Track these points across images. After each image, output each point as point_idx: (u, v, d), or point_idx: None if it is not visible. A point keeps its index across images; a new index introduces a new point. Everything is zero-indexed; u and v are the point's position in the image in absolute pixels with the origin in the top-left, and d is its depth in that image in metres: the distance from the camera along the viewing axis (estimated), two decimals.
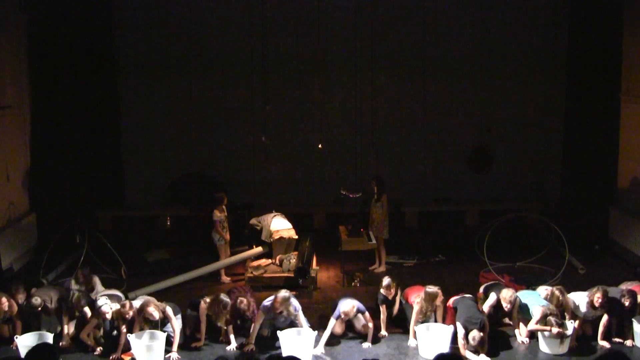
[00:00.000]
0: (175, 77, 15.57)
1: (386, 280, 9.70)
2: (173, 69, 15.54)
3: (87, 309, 9.43)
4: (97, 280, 10.63)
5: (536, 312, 9.15)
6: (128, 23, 15.39)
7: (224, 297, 9.30)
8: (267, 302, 9.24)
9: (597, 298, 9.13)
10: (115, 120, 15.55)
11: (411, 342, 9.22)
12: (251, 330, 9.24)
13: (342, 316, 9.30)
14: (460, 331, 8.91)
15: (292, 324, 9.29)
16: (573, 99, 14.96)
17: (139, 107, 15.66)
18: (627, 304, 9.16)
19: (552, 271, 11.73)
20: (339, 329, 9.48)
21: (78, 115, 14.52)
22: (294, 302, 9.26)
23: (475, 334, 8.78)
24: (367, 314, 9.42)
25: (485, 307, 9.39)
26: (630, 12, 12.64)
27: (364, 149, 15.63)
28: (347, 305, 9.26)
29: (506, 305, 9.23)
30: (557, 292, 9.23)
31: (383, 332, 9.55)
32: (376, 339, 9.42)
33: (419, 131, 15.83)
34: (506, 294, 9.25)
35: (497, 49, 15.49)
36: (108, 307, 9.24)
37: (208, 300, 9.37)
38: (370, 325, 9.37)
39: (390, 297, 9.67)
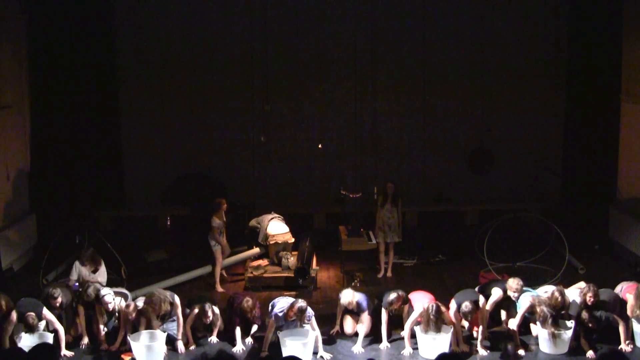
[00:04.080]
0: (175, 77, 15.56)
1: (391, 296, 9.39)
2: (173, 68, 15.53)
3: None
4: (102, 264, 10.59)
5: (524, 302, 9.17)
6: (128, 23, 15.39)
7: (207, 306, 9.35)
8: (279, 310, 9.15)
9: (589, 297, 9.14)
10: (115, 120, 15.54)
11: (406, 350, 9.10)
12: (265, 339, 9.13)
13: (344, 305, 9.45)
14: (453, 306, 9.12)
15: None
16: (573, 99, 14.95)
17: (139, 107, 15.65)
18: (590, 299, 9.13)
19: (552, 271, 11.73)
20: (348, 328, 9.52)
21: (78, 115, 14.50)
22: (309, 311, 9.15)
23: (467, 303, 9.00)
24: (366, 313, 9.44)
25: (490, 303, 9.38)
26: (630, 13, 12.63)
27: (364, 149, 15.63)
28: (347, 296, 9.41)
29: (514, 295, 9.23)
30: (557, 294, 9.22)
31: (385, 343, 9.36)
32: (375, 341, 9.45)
33: (419, 131, 15.82)
34: (512, 283, 9.25)
35: (497, 48, 15.49)
36: (111, 297, 9.35)
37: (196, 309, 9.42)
38: (366, 326, 9.42)
39: (394, 311, 9.55)
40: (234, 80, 15.57)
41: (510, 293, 9.28)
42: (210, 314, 9.35)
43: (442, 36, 15.49)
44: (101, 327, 9.39)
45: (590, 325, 9.05)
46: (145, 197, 15.79)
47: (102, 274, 10.52)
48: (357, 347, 9.19)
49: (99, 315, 9.40)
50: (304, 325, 9.09)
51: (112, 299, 9.37)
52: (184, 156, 15.72)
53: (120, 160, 15.69)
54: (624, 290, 9.51)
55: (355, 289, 9.94)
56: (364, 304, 9.47)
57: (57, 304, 9.46)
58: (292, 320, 9.07)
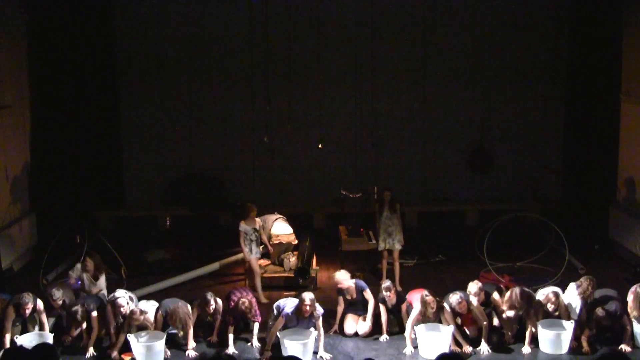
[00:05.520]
0: (176, 77, 15.55)
1: (387, 282, 9.69)
2: (173, 68, 15.52)
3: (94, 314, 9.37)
4: (104, 274, 10.33)
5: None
6: (128, 23, 15.38)
7: (208, 295, 9.34)
8: (289, 309, 9.13)
9: (591, 286, 9.22)
10: (115, 120, 15.54)
11: (408, 349, 9.16)
12: (267, 338, 9.15)
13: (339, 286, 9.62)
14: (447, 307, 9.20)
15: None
16: (573, 99, 14.96)
17: (139, 107, 15.64)
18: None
19: (552, 271, 11.73)
20: (349, 328, 9.58)
21: (78, 115, 14.51)
22: (318, 306, 9.19)
23: (456, 297, 9.12)
24: (368, 290, 9.63)
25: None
26: (630, 12, 12.64)
27: (364, 149, 15.62)
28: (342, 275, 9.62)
29: (474, 298, 9.28)
30: (552, 297, 9.21)
31: (384, 335, 9.52)
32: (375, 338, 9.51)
33: (419, 131, 15.82)
34: (471, 287, 9.36)
35: (497, 48, 15.48)
36: (125, 300, 9.21)
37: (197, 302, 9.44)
38: (367, 325, 9.53)
39: (390, 302, 9.61)
40: (234, 80, 15.56)
41: (471, 297, 9.28)
42: (212, 302, 9.29)
43: (442, 36, 15.48)
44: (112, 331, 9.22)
45: (605, 322, 9.06)
46: (145, 197, 15.79)
47: (102, 284, 10.22)
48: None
49: (109, 318, 9.21)
50: (316, 320, 9.07)
51: (126, 302, 9.19)
52: (184, 156, 15.71)
53: (120, 160, 15.69)
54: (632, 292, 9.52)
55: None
56: (361, 283, 9.68)
57: (58, 305, 9.47)
58: (305, 317, 9.03)
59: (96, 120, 14.93)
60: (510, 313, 9.24)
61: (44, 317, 9.34)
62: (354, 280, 9.74)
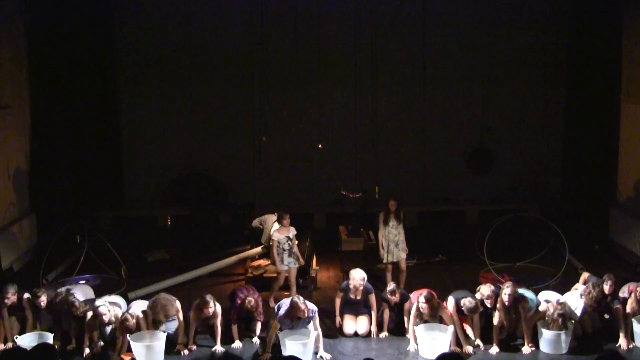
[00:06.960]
0: (175, 77, 15.54)
1: (391, 286, 9.64)
2: (173, 69, 15.51)
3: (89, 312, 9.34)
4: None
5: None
6: (128, 23, 15.37)
7: (208, 297, 9.27)
8: (281, 312, 9.10)
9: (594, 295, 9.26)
10: (115, 120, 15.53)
11: (411, 346, 9.19)
12: (267, 340, 9.13)
13: (351, 285, 9.55)
14: (451, 303, 9.21)
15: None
16: (573, 99, 14.96)
17: (139, 107, 15.64)
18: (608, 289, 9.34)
19: (552, 271, 11.73)
20: (348, 328, 9.58)
21: (78, 115, 14.51)
22: (310, 305, 9.17)
23: (469, 299, 9.07)
24: (373, 295, 9.59)
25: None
26: (630, 12, 12.65)
27: (364, 149, 15.62)
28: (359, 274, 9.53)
29: (487, 301, 9.25)
30: (560, 321, 9.07)
31: (384, 332, 9.57)
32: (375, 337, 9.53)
33: (419, 131, 15.81)
34: (483, 290, 9.31)
35: (497, 48, 15.48)
36: (106, 308, 9.15)
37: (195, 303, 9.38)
38: (365, 325, 9.55)
39: (392, 303, 9.63)
40: (234, 80, 15.55)
41: (484, 300, 9.26)
42: (212, 304, 9.16)
43: (442, 36, 15.48)
44: (89, 338, 9.16)
45: (609, 291, 9.26)
46: (145, 197, 15.79)
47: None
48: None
49: (91, 327, 9.18)
50: (308, 322, 9.06)
51: (107, 310, 9.14)
52: (184, 156, 15.71)
53: (120, 160, 15.68)
54: (628, 291, 9.53)
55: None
56: (369, 286, 9.64)
57: (42, 304, 9.34)
58: (300, 319, 9.02)
59: (96, 120, 14.92)
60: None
61: (27, 313, 9.34)
62: (365, 285, 9.64)
